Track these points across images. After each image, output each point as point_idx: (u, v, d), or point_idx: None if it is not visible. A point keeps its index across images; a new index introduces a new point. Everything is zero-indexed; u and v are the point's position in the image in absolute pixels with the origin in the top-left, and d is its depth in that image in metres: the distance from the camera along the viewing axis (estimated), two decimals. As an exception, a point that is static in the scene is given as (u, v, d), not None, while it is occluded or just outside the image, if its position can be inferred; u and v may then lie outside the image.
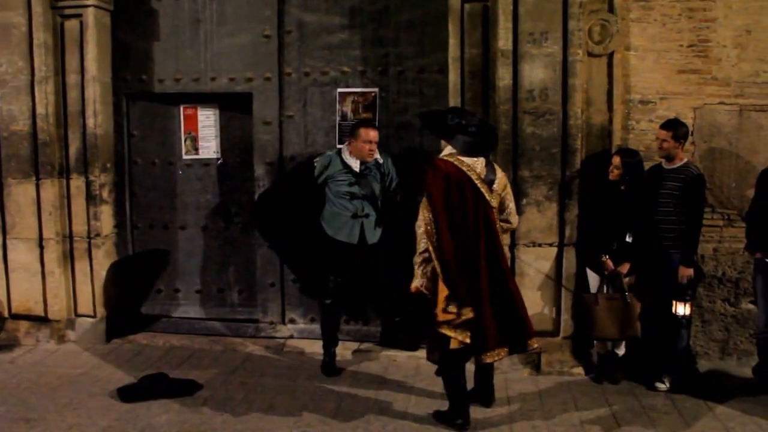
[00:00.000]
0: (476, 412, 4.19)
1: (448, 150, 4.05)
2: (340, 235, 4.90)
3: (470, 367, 4.17)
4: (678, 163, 4.60)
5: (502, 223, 4.17)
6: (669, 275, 4.56)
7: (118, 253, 5.80)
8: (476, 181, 3.95)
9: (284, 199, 5.53)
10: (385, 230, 5.02)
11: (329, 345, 5.00)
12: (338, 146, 5.23)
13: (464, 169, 3.94)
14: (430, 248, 3.90)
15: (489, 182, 4.00)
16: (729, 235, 4.98)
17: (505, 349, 3.98)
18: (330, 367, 4.95)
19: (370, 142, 4.82)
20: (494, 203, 4.03)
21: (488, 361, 3.99)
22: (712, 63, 4.89)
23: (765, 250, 4.44)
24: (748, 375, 4.76)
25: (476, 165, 3.98)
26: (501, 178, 4.10)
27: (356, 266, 4.97)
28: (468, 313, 3.85)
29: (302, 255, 5.46)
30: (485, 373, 4.33)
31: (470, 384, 4.25)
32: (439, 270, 3.88)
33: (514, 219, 4.27)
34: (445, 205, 3.88)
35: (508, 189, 4.17)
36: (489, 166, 4.04)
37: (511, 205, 4.19)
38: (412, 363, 5.09)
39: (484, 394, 4.35)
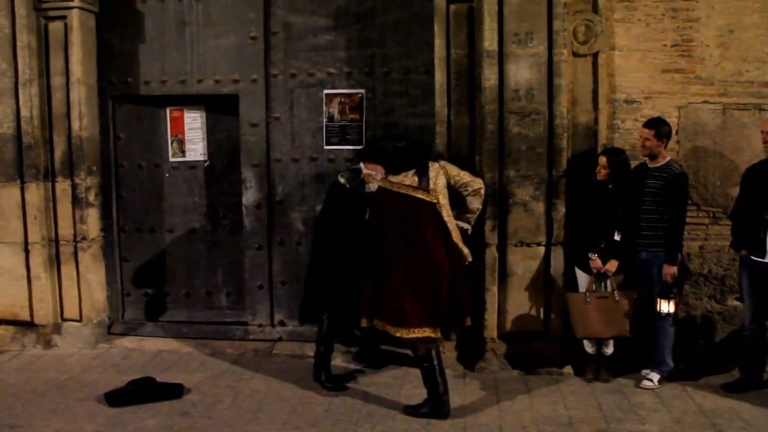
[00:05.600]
0: (466, 416, 4.22)
1: (380, 176, 4.38)
2: None
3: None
4: (661, 162, 4.62)
5: (473, 195, 4.50)
6: (654, 273, 4.60)
7: (105, 257, 5.75)
8: (411, 193, 4.26)
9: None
10: None
11: (330, 355, 4.83)
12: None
13: (394, 189, 4.29)
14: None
15: (424, 187, 4.27)
16: (714, 233, 5.01)
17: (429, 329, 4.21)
18: (337, 379, 4.77)
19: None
20: (438, 198, 4.28)
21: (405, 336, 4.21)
22: (696, 62, 4.92)
23: (750, 247, 4.48)
24: (734, 372, 4.79)
25: (404, 179, 4.29)
26: (434, 175, 4.33)
27: None
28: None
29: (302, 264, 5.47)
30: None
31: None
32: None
33: (476, 182, 4.55)
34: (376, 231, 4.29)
35: (449, 170, 4.45)
36: (420, 172, 4.30)
37: (465, 176, 4.50)
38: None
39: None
